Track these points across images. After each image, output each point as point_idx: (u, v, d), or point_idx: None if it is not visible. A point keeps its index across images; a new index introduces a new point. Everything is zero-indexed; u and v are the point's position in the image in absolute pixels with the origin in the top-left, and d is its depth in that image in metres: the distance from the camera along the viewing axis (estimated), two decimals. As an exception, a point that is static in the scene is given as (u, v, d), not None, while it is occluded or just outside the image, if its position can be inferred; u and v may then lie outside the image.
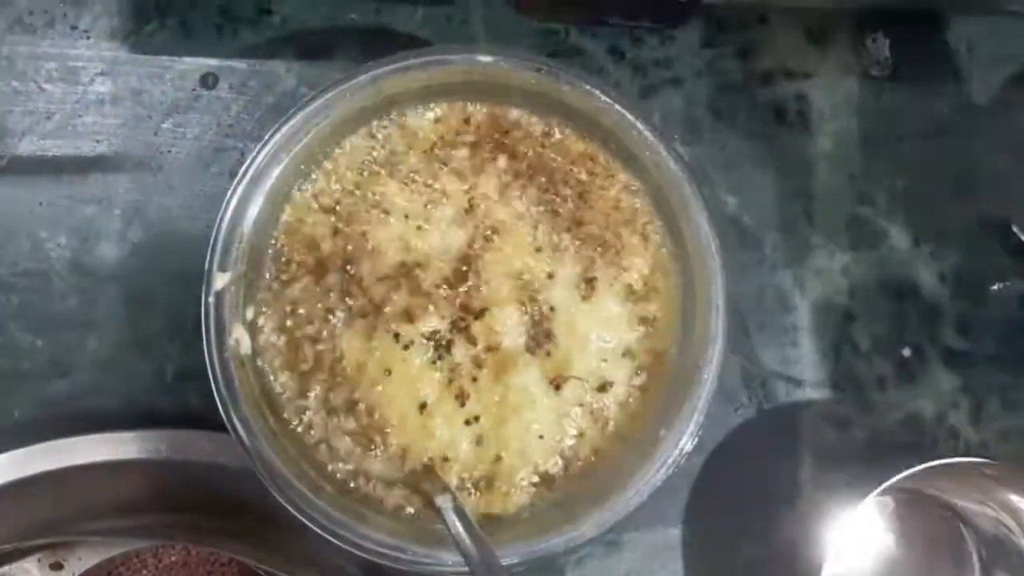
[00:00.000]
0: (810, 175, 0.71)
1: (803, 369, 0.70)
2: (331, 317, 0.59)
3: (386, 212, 0.60)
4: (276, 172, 0.56)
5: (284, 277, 0.58)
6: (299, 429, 0.59)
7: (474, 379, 0.59)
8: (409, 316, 0.59)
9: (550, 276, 0.59)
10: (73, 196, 0.66)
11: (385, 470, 0.59)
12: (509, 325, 0.59)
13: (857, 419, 0.70)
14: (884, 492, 0.60)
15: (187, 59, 0.67)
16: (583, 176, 0.61)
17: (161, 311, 0.66)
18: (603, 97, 0.58)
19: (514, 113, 0.60)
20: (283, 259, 0.60)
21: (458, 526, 0.54)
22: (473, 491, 0.59)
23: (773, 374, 0.70)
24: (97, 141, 0.67)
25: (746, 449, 0.69)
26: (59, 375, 0.65)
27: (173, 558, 0.64)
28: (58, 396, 0.65)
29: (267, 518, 0.59)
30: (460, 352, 0.59)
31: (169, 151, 0.67)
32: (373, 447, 0.59)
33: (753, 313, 0.70)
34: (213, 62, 0.67)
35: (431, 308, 0.59)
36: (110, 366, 0.65)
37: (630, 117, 0.59)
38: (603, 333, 0.59)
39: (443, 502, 0.56)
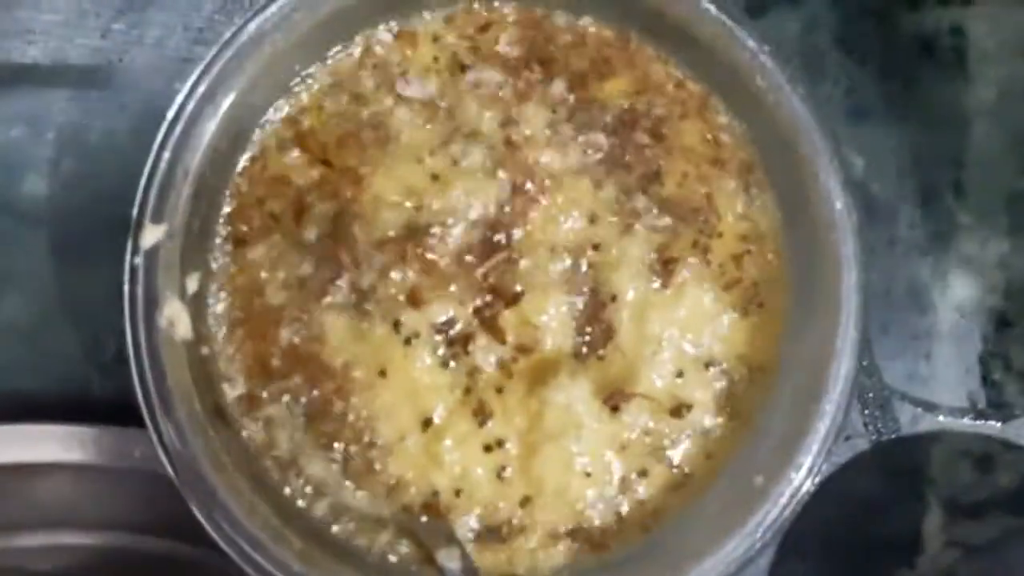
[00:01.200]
0: (963, 134, 0.64)
1: (937, 389, 0.63)
2: (307, 293, 0.50)
3: (389, 149, 0.51)
4: (238, 87, 0.48)
5: (244, 233, 0.50)
6: (256, 445, 0.50)
7: (499, 390, 0.50)
8: (415, 299, 0.49)
9: (614, 253, 0.51)
10: None
11: (372, 506, 0.49)
12: (553, 318, 0.50)
13: (1005, 458, 0.63)
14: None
15: (150, -63, 0.62)
16: (664, 111, 0.52)
17: (100, 268, 0.58)
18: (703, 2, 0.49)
19: (561, 19, 0.53)
20: (243, 208, 0.51)
21: None
22: (489, 542, 0.50)
23: (897, 394, 0.62)
24: (29, 43, 0.60)
25: (854, 490, 0.61)
26: (-36, 344, 0.61)
27: None
28: (-39, 372, 0.61)
29: (215, 548, 0.49)
30: (482, 352, 0.50)
31: (120, 60, 0.61)
32: (358, 473, 0.49)
33: (876, 311, 0.62)
34: (183, -57, 0.61)
35: (446, 289, 0.50)
36: (32, 335, 0.60)
37: (740, 33, 0.49)
38: (683, 335, 0.51)
39: (447, 558, 0.48)
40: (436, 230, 0.50)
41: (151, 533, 0.57)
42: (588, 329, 0.50)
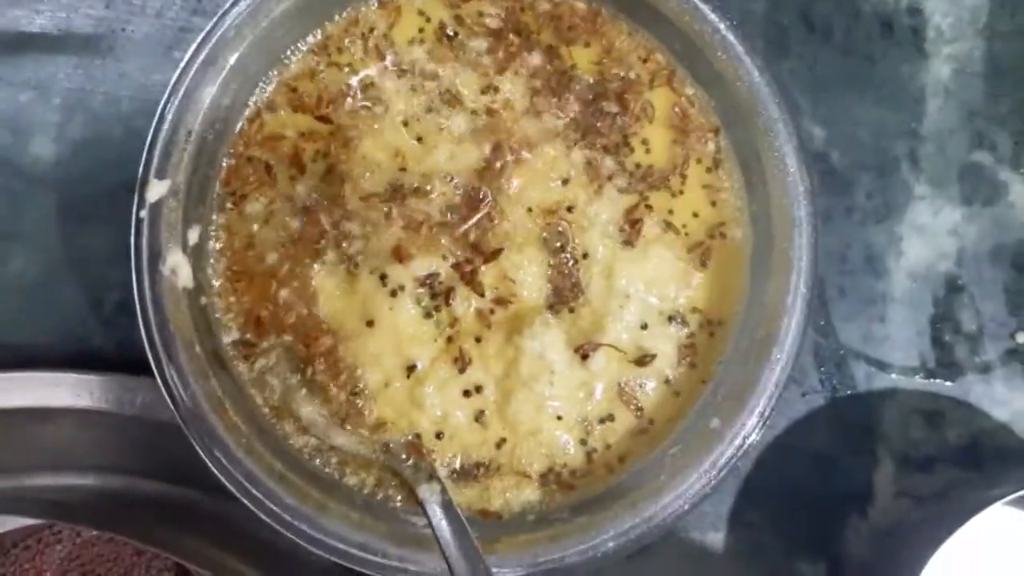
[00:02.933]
0: (919, 108, 0.64)
1: (890, 350, 0.63)
2: (299, 249, 0.51)
3: (376, 113, 0.51)
4: (237, 53, 0.49)
5: (240, 189, 0.51)
6: (251, 389, 0.50)
7: (478, 339, 0.50)
8: (400, 254, 0.50)
9: (586, 213, 0.52)
10: (4, 79, 0.60)
11: (359, 446, 0.50)
12: (529, 273, 0.51)
13: (954, 415, 0.63)
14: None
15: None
16: (633, 81, 0.53)
17: (102, 227, 0.59)
18: None
19: None
20: (240, 166, 0.51)
21: (443, 525, 0.47)
22: (465, 480, 0.51)
23: (852, 353, 0.62)
24: (36, 12, 0.60)
25: (810, 443, 0.62)
26: (-28, 297, 0.60)
27: (94, 532, 0.56)
28: (-30, 323, 0.59)
29: (211, 490, 0.50)
30: (462, 304, 0.50)
31: (123, 29, 0.61)
32: (346, 416, 0.50)
33: (833, 276, 0.62)
34: (185, -85, 0.61)
35: (430, 245, 0.50)
36: (37, 291, 0.60)
37: (704, 8, 0.50)
38: (648, 290, 0.52)
39: (427, 492, 0.48)
40: (420, 190, 0.50)
41: (148, 476, 0.57)
42: (560, 284, 0.51)
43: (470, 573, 0.45)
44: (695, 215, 0.52)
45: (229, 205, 0.51)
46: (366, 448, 0.50)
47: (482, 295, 0.50)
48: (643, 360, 0.51)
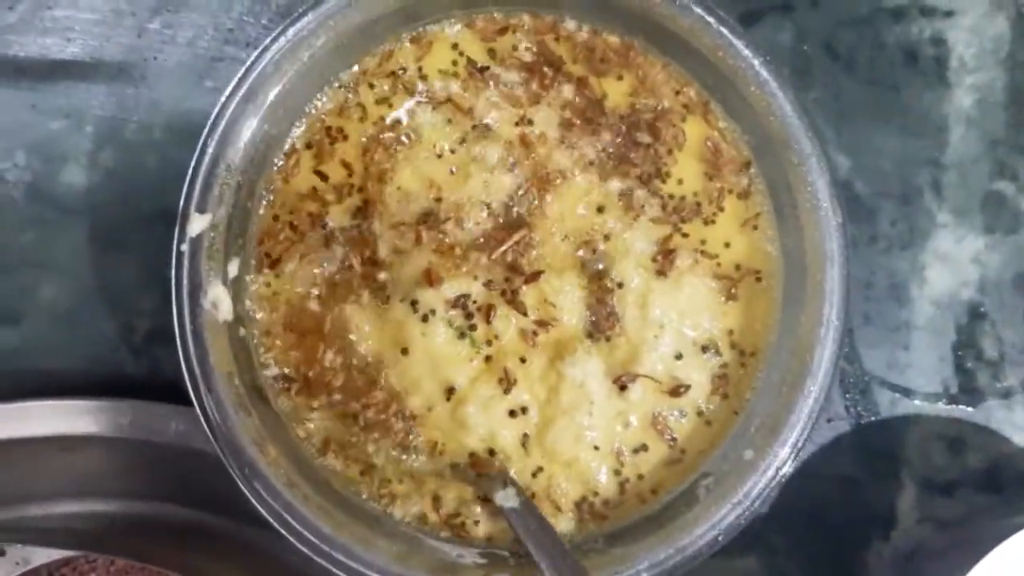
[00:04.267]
0: (942, 137, 0.63)
1: (914, 377, 0.63)
2: (337, 291, 0.51)
3: (411, 146, 0.52)
4: (277, 88, 0.49)
5: (275, 252, 0.52)
6: (294, 423, 0.51)
7: (523, 360, 0.51)
8: (430, 277, 0.50)
9: (620, 243, 0.52)
10: (36, 107, 0.61)
11: (413, 468, 0.51)
12: (569, 298, 0.51)
13: (975, 440, 0.63)
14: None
15: (184, -58, 0.61)
16: (667, 110, 0.53)
17: (134, 256, 0.60)
18: (700, 11, 0.50)
19: (571, 25, 0.53)
20: (276, 227, 0.52)
21: (527, 525, 0.47)
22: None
23: (876, 380, 0.62)
24: (68, 40, 0.61)
25: (835, 469, 0.62)
26: (6, 323, 0.60)
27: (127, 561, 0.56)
28: (3, 349, 0.60)
29: (244, 520, 0.52)
30: (503, 323, 0.51)
31: (155, 58, 0.61)
32: (392, 438, 0.51)
33: (858, 303, 0.62)
34: (216, -52, 0.61)
35: (461, 267, 0.51)
36: (69, 319, 0.60)
37: (738, 44, 0.50)
38: (681, 320, 0.52)
39: (504, 499, 0.48)
40: (454, 217, 0.51)
41: (180, 504, 0.58)
42: (597, 311, 0.51)
43: (559, 568, 0.44)
44: (727, 245, 0.52)
45: (266, 269, 0.51)
46: (424, 467, 0.50)
47: (524, 314, 0.50)
48: (677, 390, 0.51)
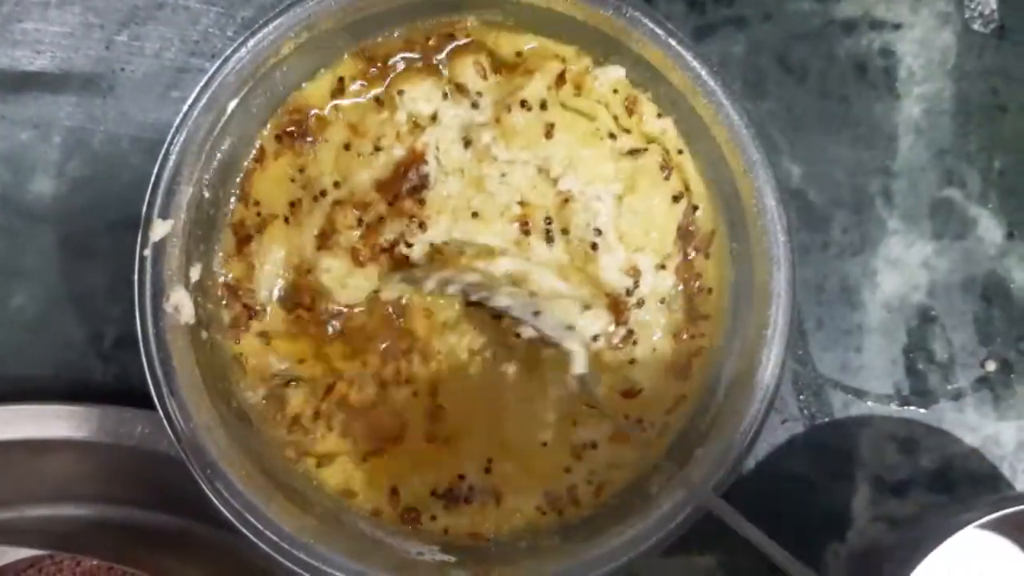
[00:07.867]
0: (892, 147, 0.64)
1: (866, 378, 0.63)
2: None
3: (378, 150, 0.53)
4: (238, 97, 0.50)
5: (242, 228, 0.53)
6: (257, 416, 0.52)
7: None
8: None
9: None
10: (5, 117, 0.61)
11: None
12: None
13: (927, 441, 0.63)
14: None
15: (150, -44, 0.60)
16: (613, 125, 0.54)
17: (102, 264, 0.60)
18: (650, 24, 0.50)
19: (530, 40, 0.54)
20: (242, 207, 0.53)
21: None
22: (459, 504, 0.52)
23: (829, 382, 0.63)
24: (37, 52, 0.61)
25: (790, 469, 0.63)
26: (-25, 332, 0.60)
27: (94, 561, 0.56)
28: (-27, 357, 0.60)
29: (212, 522, 0.51)
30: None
31: (123, 69, 0.61)
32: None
33: (811, 307, 0.63)
34: (180, -38, 0.60)
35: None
36: (38, 325, 0.60)
37: (687, 56, 0.51)
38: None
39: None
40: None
41: (147, 507, 0.58)
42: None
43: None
44: (679, 248, 0.54)
45: (232, 243, 0.52)
46: None
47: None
48: (631, 392, 0.52)
